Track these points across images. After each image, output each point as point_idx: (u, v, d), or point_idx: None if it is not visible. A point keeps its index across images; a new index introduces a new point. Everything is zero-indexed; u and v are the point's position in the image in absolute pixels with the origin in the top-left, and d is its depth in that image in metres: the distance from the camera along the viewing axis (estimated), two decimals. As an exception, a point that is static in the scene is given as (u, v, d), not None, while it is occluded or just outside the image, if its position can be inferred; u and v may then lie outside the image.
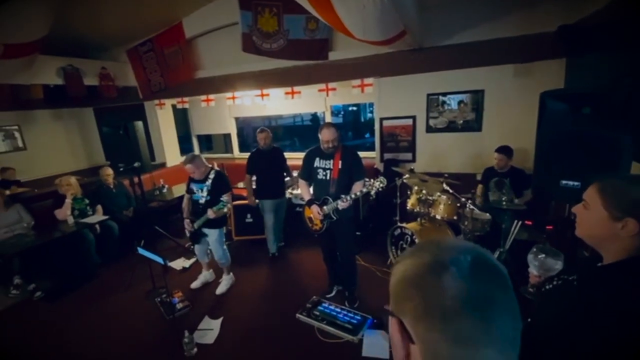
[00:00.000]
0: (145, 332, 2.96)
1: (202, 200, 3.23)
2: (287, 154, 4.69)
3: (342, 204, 2.69)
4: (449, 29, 3.82)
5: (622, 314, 0.79)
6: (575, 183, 1.75)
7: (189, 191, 3.34)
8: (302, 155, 3.09)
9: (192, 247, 3.69)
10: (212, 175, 3.26)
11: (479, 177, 3.86)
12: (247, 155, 6.42)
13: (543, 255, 1.22)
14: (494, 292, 0.44)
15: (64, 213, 4.01)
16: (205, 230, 3.34)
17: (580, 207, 0.96)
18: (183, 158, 3.21)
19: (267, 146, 3.90)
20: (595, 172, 1.54)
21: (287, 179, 4.23)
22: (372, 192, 2.62)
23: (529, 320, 1.02)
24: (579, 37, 2.97)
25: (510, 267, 3.06)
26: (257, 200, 4.04)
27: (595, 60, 2.93)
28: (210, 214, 3.09)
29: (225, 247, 3.50)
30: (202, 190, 3.25)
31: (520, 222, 2.94)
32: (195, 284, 3.62)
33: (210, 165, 3.41)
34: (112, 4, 4.21)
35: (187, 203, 3.38)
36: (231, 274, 3.65)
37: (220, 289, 3.50)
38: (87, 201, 4.31)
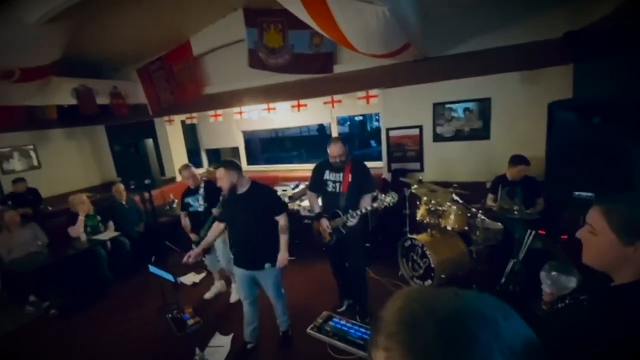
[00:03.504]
0: (157, 349, 2.97)
1: (202, 209, 3.38)
2: (293, 167, 4.53)
3: (351, 220, 2.68)
4: (454, 39, 3.83)
5: (631, 339, 0.76)
6: (589, 194, 1.71)
7: (185, 207, 3.53)
8: (309, 166, 3.10)
9: (204, 257, 3.71)
10: (202, 185, 3.49)
11: (489, 186, 3.81)
12: (255, 167, 6.57)
13: (556, 273, 1.19)
14: None
15: (78, 231, 4.08)
16: None
17: (585, 233, 0.90)
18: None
19: (233, 189, 2.41)
20: (608, 183, 1.50)
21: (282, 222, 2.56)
22: (382, 207, 2.60)
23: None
24: (586, 43, 2.94)
25: (524, 279, 3.00)
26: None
27: (604, 66, 2.90)
28: (215, 212, 3.09)
29: (232, 255, 3.52)
30: (198, 200, 3.43)
31: (533, 232, 2.88)
32: (208, 295, 3.69)
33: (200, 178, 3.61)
34: (123, 26, 4.35)
35: (186, 220, 3.56)
36: None
37: (234, 297, 3.58)
38: (99, 218, 4.38)
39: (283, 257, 2.52)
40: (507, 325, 0.37)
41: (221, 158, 7.57)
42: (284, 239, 2.55)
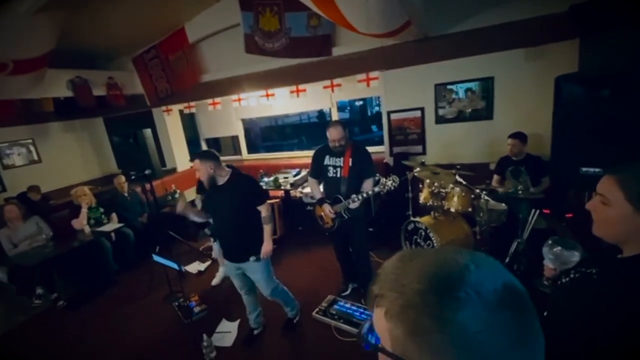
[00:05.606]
0: (164, 337, 3.01)
1: None
2: (294, 154, 4.53)
3: (352, 204, 2.67)
4: (456, 16, 3.71)
5: None
6: (597, 170, 1.67)
7: (201, 191, 3.47)
8: (310, 153, 3.07)
9: (213, 241, 3.77)
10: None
11: (492, 167, 3.76)
12: (255, 156, 6.53)
13: (559, 248, 1.16)
14: (526, 329, 0.41)
15: (81, 223, 4.09)
16: None
17: (596, 203, 0.86)
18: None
19: (212, 179, 2.34)
20: (618, 157, 1.46)
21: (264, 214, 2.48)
22: (384, 191, 2.58)
23: (545, 314, 0.98)
24: (593, 15, 2.84)
25: (528, 258, 2.99)
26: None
27: (610, 39, 2.80)
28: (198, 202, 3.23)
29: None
30: None
31: (537, 211, 2.86)
32: (215, 281, 3.76)
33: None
34: (116, 14, 4.24)
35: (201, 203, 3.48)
36: None
37: (215, 281, 3.76)
38: (101, 210, 4.39)
39: (267, 248, 2.46)
40: (478, 271, 0.41)
41: (221, 147, 7.51)
42: (267, 229, 2.48)
